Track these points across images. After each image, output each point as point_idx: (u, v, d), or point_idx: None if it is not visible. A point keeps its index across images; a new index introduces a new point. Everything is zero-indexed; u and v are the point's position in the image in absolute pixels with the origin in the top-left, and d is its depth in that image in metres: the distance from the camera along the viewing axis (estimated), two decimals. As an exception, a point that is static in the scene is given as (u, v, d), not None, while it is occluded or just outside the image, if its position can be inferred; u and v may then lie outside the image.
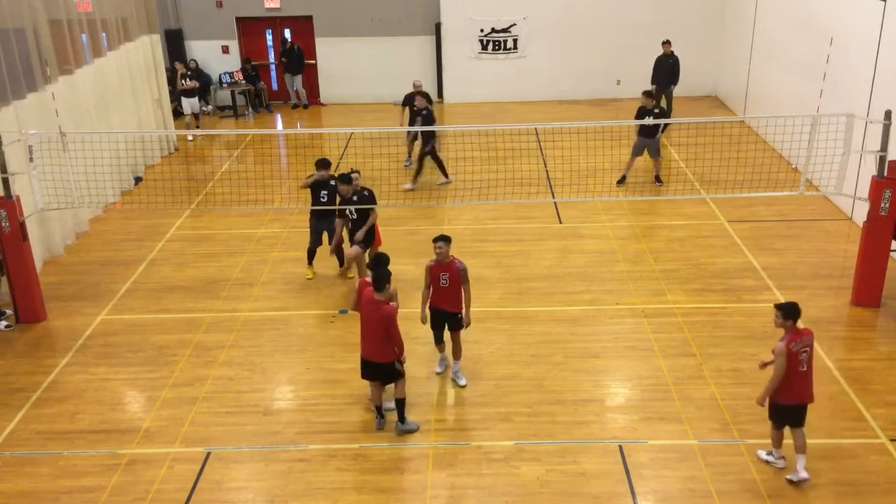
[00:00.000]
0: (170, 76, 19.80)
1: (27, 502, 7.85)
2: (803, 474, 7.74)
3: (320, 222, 11.88)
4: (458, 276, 9.12)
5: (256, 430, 8.78)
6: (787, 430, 7.89)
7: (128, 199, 15.53)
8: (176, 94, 20.12)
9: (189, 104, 19.76)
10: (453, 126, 19.42)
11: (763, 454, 8.15)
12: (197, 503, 7.79)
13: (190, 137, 19.35)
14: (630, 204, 14.69)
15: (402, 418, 8.64)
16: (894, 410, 8.82)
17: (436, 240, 9.09)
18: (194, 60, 21.33)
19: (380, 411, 8.74)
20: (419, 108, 15.47)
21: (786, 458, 8.01)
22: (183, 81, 19.62)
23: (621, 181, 15.40)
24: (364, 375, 8.67)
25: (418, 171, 15.31)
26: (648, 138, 15.11)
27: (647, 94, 15.35)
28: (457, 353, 9.54)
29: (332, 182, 11.73)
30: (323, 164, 11.92)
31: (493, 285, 11.83)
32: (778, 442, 7.99)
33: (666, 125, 15.58)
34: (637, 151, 15.31)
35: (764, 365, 8.07)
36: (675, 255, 12.62)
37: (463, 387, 9.42)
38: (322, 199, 11.82)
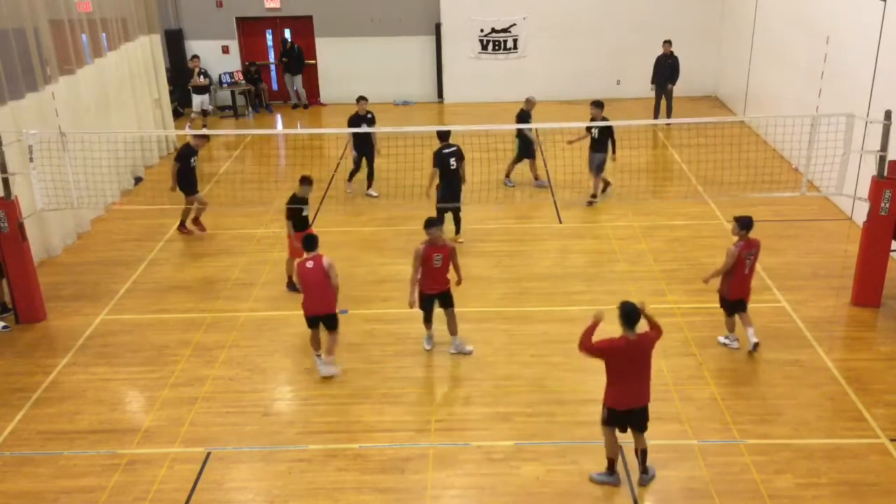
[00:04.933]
0: (170, 77, 19.82)
1: (27, 502, 7.85)
2: (754, 339, 9.74)
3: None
4: (450, 254, 9.68)
5: (256, 430, 8.79)
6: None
7: (128, 199, 15.53)
8: (179, 91, 20.33)
9: (200, 101, 19.83)
10: (453, 126, 19.39)
11: (721, 339, 10.08)
12: (197, 503, 7.79)
13: (188, 128, 19.39)
14: (630, 204, 14.68)
15: (645, 469, 7.91)
16: (894, 410, 8.83)
17: (428, 225, 9.59)
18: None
19: (612, 466, 7.88)
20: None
21: (739, 341, 9.96)
22: (199, 78, 19.77)
23: (592, 201, 14.60)
24: (311, 325, 9.64)
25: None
26: (595, 152, 14.40)
27: (595, 104, 14.54)
28: (454, 329, 10.02)
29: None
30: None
31: (493, 285, 11.83)
32: (731, 327, 10.00)
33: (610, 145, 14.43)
34: (596, 169, 14.52)
35: (708, 280, 9.93)
36: (675, 255, 12.62)
37: (471, 352, 10.01)
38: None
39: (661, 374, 9.55)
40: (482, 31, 21.58)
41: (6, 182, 10.64)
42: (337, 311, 9.72)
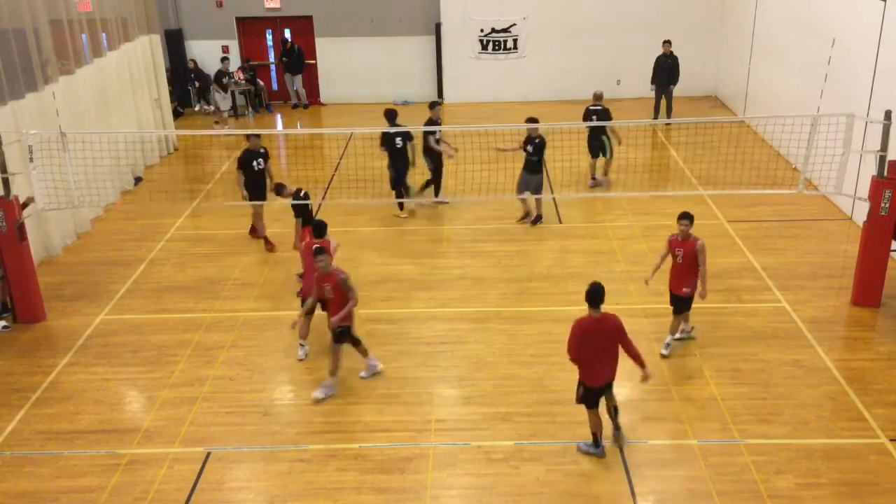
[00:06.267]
0: (170, 76, 19.85)
1: (27, 502, 7.85)
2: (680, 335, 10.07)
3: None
4: (339, 287, 9.00)
5: (256, 430, 8.79)
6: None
7: (128, 198, 15.53)
8: (178, 91, 20.44)
9: (222, 98, 20.10)
10: (453, 126, 19.41)
11: (666, 351, 9.88)
12: (197, 503, 7.79)
13: (223, 129, 19.46)
14: (630, 204, 14.67)
15: (617, 426, 8.40)
16: (894, 410, 8.83)
17: (314, 254, 9.06)
18: (193, 60, 21.35)
19: (596, 441, 8.26)
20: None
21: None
22: (223, 80, 20.05)
23: (525, 218, 13.95)
24: (311, 310, 9.77)
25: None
26: (531, 174, 13.60)
27: (530, 120, 13.60)
28: (332, 369, 9.30)
29: (263, 150, 13.19)
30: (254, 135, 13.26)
31: (493, 285, 11.83)
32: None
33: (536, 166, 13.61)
34: (534, 191, 13.69)
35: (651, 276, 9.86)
36: (675, 255, 12.60)
37: (319, 399, 9.23)
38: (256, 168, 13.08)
39: (661, 374, 9.56)
40: (482, 31, 21.58)
41: (6, 182, 10.63)
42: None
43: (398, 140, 13.84)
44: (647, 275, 10.04)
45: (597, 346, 7.83)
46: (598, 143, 15.16)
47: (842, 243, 12.59)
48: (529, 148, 13.53)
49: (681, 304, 9.84)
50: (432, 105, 14.57)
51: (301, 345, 10.13)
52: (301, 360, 10.04)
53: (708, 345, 10.15)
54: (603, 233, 13.53)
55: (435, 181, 14.62)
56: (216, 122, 20.12)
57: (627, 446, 8.33)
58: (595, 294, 7.77)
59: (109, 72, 15.63)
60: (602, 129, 14.96)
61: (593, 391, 8.03)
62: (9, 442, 8.71)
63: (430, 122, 14.31)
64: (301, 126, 20.86)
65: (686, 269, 9.59)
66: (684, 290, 9.66)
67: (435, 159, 14.47)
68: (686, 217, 9.50)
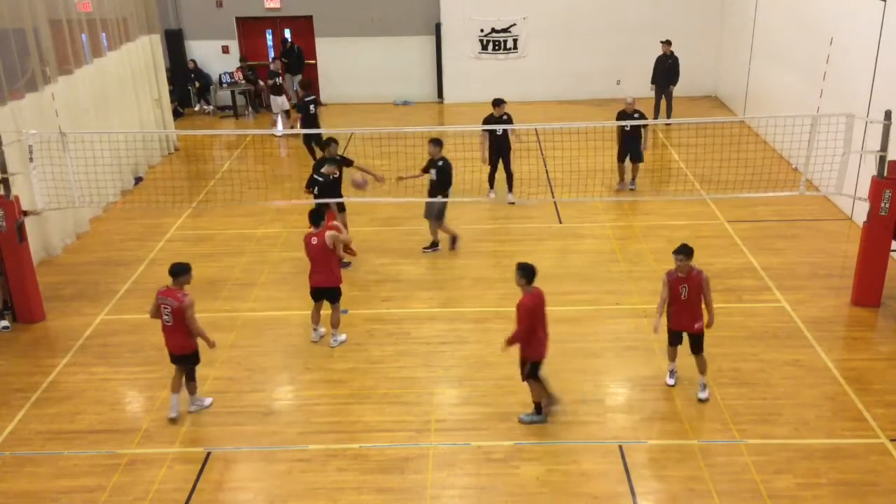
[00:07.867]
0: (169, 76, 19.83)
1: (27, 502, 7.85)
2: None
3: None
4: (181, 314, 8.66)
5: (256, 430, 8.79)
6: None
7: (128, 198, 15.53)
8: (179, 91, 20.65)
9: (281, 101, 20.15)
10: (452, 126, 19.42)
11: (705, 394, 9.11)
12: (197, 503, 7.79)
13: (279, 133, 19.46)
14: (630, 204, 14.68)
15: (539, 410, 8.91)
16: (894, 410, 8.83)
17: (175, 273, 8.81)
18: (193, 60, 21.35)
19: (539, 409, 8.86)
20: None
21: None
22: (276, 80, 20.11)
23: (432, 247, 13.00)
24: (314, 297, 10.23)
25: None
26: (436, 198, 12.56)
27: (433, 141, 12.53)
28: (189, 389, 9.14)
29: (339, 157, 12.58)
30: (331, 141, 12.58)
31: (492, 285, 11.83)
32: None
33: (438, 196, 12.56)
34: (435, 216, 12.76)
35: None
36: (675, 255, 12.60)
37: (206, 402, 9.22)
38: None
39: (661, 373, 9.56)
40: (482, 31, 21.59)
41: (6, 182, 10.63)
42: (340, 309, 10.18)
43: (311, 107, 16.54)
44: (651, 314, 9.62)
45: (542, 316, 8.55)
46: (635, 147, 15.08)
47: (842, 243, 12.59)
48: (433, 172, 12.49)
49: (698, 342, 9.02)
50: (497, 103, 14.55)
51: (315, 329, 10.37)
52: (315, 342, 10.31)
53: (708, 345, 10.07)
54: (603, 233, 13.54)
55: (507, 176, 14.76)
56: (273, 123, 20.23)
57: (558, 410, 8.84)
58: (533, 271, 8.55)
59: (110, 72, 15.63)
60: (639, 134, 14.98)
61: (539, 363, 8.60)
62: (9, 442, 8.71)
63: (492, 118, 14.39)
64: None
65: (694, 304, 8.89)
66: (697, 325, 8.93)
67: (503, 152, 14.45)
68: (683, 251, 8.80)
